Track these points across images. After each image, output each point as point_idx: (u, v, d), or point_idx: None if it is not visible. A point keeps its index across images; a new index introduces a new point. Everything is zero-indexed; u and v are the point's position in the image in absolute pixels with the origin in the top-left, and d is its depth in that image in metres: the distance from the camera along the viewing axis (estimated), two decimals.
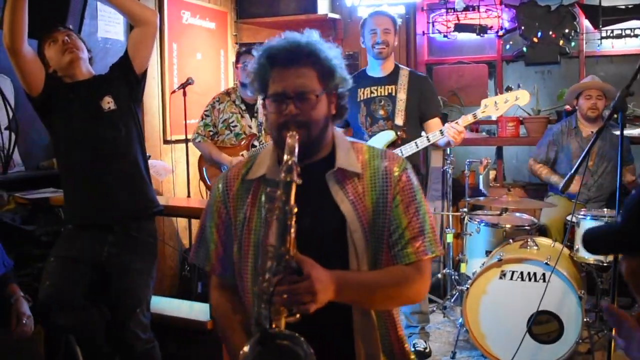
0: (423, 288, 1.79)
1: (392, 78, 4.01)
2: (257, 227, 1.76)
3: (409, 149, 3.81)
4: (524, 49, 5.70)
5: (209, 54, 5.63)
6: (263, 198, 1.77)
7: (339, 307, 1.66)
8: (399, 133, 3.90)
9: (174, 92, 4.84)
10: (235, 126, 4.50)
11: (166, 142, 5.12)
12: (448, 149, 4.79)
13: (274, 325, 1.47)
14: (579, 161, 2.87)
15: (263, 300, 1.49)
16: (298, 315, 1.48)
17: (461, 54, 6.08)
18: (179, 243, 5.20)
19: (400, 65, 4.08)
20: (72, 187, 3.06)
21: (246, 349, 1.48)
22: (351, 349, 1.75)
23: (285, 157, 1.58)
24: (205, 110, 4.57)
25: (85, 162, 3.00)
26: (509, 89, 3.95)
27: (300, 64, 1.72)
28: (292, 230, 1.50)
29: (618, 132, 3.59)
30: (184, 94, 4.65)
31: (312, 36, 1.77)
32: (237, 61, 4.58)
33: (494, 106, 3.84)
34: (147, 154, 3.24)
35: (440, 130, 3.77)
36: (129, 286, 3.01)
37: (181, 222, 5.16)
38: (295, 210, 1.52)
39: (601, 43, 5.56)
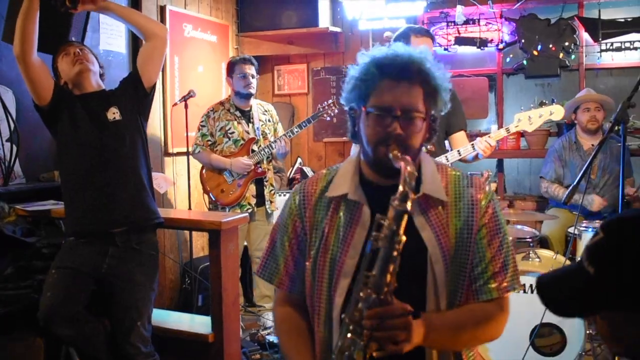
0: (503, 324, 1.71)
1: None
2: (335, 247, 1.68)
3: None
4: (524, 61, 5.71)
5: (210, 66, 5.65)
6: (342, 217, 1.70)
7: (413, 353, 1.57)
8: (428, 147, 3.90)
9: (175, 104, 4.85)
10: (233, 133, 4.55)
11: (167, 154, 5.12)
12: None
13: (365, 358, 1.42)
14: (581, 173, 2.86)
15: (351, 331, 1.43)
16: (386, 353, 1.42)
17: (462, 67, 6.09)
18: (180, 256, 5.19)
19: None
20: (74, 196, 3.06)
21: None
22: None
23: (400, 187, 1.49)
24: (201, 122, 4.63)
25: (88, 171, 3.01)
26: (542, 104, 3.91)
27: (411, 80, 1.63)
28: (397, 262, 1.44)
29: (619, 144, 3.60)
30: (186, 106, 4.66)
31: (424, 52, 1.67)
32: (231, 71, 4.64)
33: (527, 120, 3.80)
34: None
35: (472, 144, 3.76)
36: (130, 299, 3.00)
37: (182, 235, 5.15)
38: (404, 240, 1.45)
39: (601, 56, 5.58)
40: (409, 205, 1.47)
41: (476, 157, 3.88)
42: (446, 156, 3.81)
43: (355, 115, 1.72)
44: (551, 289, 1.26)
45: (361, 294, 1.44)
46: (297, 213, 1.78)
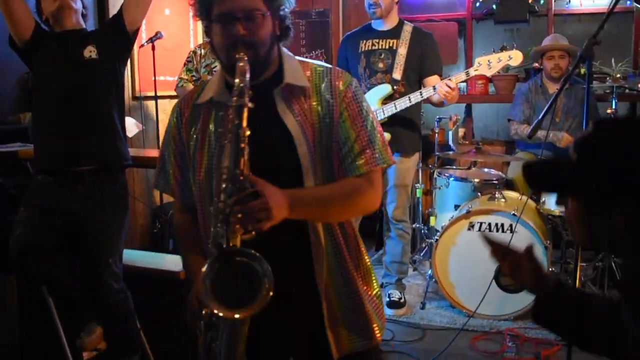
0: (375, 198, 1.80)
1: (394, 32, 4.06)
2: (209, 152, 1.77)
3: (402, 103, 3.86)
4: (494, 6, 5.72)
5: (177, 9, 5.55)
6: (213, 123, 1.79)
7: (295, 228, 1.69)
8: (395, 87, 3.94)
9: (142, 46, 4.78)
10: (217, 70, 4.49)
11: (135, 98, 5.07)
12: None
13: (230, 244, 1.49)
14: (543, 112, 2.88)
15: (219, 220, 1.51)
16: (254, 233, 1.49)
17: (432, 12, 6.09)
18: (150, 200, 5.18)
19: (405, 21, 4.10)
20: (45, 133, 3.04)
21: (205, 267, 1.49)
22: (310, 268, 1.77)
23: (237, 80, 1.60)
24: (188, 57, 4.56)
25: (60, 108, 2.99)
26: (503, 48, 3.96)
27: None
28: (245, 152, 1.52)
29: (584, 87, 3.65)
30: (153, 48, 4.60)
31: None
32: None
33: (487, 65, 3.88)
34: None
35: (433, 87, 3.81)
36: (101, 236, 3.01)
37: (152, 179, 5.14)
38: (248, 133, 1.54)
39: (570, 1, 5.63)
40: (246, 99, 1.57)
41: (442, 103, 3.94)
42: (409, 97, 3.85)
43: (209, 30, 1.78)
44: (535, 168, 1.40)
45: (222, 186, 1.52)
46: (175, 125, 1.88)
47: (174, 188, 1.91)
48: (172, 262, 3.60)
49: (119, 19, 3.10)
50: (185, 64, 4.54)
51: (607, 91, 4.63)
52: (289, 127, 1.72)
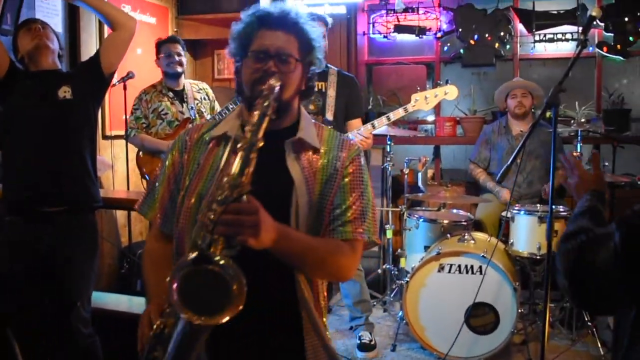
0: (353, 265, 1.82)
1: (322, 75, 4.06)
2: (209, 175, 1.77)
3: None
4: (461, 50, 5.85)
5: (149, 49, 5.54)
6: (221, 150, 1.78)
7: (282, 264, 1.69)
8: (330, 128, 3.97)
9: (113, 85, 4.75)
10: (167, 114, 4.48)
11: (105, 137, 5.04)
12: (388, 147, 4.87)
13: (211, 250, 1.44)
14: (513, 155, 2.94)
15: (203, 229, 1.46)
16: (235, 249, 1.45)
17: (401, 55, 6.20)
18: (118, 240, 5.12)
19: (328, 64, 4.15)
20: (16, 173, 3.01)
21: (178, 263, 1.43)
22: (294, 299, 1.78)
23: (265, 87, 1.64)
24: (134, 105, 4.55)
25: (32, 148, 2.99)
26: (436, 85, 4.09)
27: (285, 30, 1.77)
28: (252, 164, 1.50)
29: (549, 130, 3.71)
30: (124, 87, 4.60)
31: (302, 10, 1.83)
32: (158, 52, 4.55)
33: (424, 100, 3.99)
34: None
35: (354, 132, 3.93)
36: (70, 279, 2.97)
37: (120, 219, 5.09)
38: (261, 144, 1.52)
39: (534, 46, 5.77)
40: (270, 110, 1.59)
41: None
42: None
43: (240, 71, 1.82)
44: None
45: (217, 192, 1.49)
46: (177, 148, 1.89)
47: (156, 213, 1.89)
48: (140, 304, 3.57)
49: (96, 61, 3.13)
50: (132, 112, 4.52)
51: (572, 134, 4.75)
52: (293, 176, 1.75)
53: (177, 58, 4.50)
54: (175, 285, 1.41)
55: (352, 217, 1.78)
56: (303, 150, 1.81)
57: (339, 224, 1.78)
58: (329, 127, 1.94)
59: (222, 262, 1.40)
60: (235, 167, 1.49)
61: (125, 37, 3.17)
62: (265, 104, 1.60)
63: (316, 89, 4.03)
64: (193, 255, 1.42)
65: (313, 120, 1.92)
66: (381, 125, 3.95)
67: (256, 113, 1.58)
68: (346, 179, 1.81)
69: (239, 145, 1.51)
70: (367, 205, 1.82)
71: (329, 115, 3.99)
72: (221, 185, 1.48)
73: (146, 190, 1.95)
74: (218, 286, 1.40)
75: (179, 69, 4.55)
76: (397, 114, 3.94)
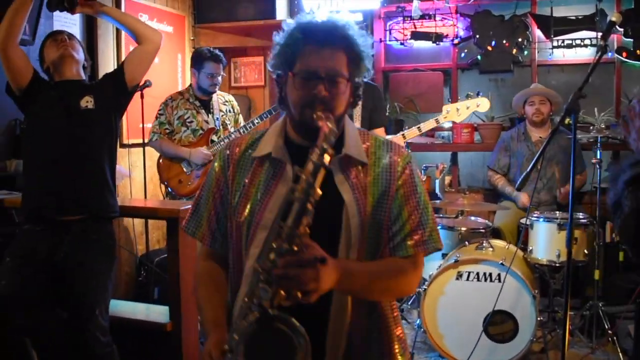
0: (415, 282, 1.79)
1: None
2: (255, 200, 1.74)
3: None
4: (479, 57, 5.83)
5: (166, 58, 5.60)
6: (265, 173, 1.75)
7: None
8: (375, 135, 3.97)
9: None
10: (192, 122, 4.50)
11: (123, 145, 5.05)
12: None
13: (273, 310, 1.44)
14: (533, 161, 2.93)
15: (262, 280, 1.46)
16: (297, 301, 1.44)
17: (417, 62, 6.18)
18: (135, 248, 5.13)
19: None
20: (35, 180, 3.04)
21: (244, 324, 1.46)
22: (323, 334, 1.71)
23: (319, 141, 1.55)
24: (159, 110, 4.56)
25: (52, 157, 3.01)
26: (469, 96, 4.07)
27: (335, 46, 1.69)
28: (310, 214, 1.48)
29: (568, 136, 3.68)
30: (142, 96, 4.61)
31: (349, 20, 1.75)
32: (198, 64, 4.51)
33: (456, 112, 3.99)
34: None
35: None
36: (87, 287, 2.97)
37: (137, 227, 5.10)
38: (319, 195, 1.49)
39: (553, 52, 5.72)
40: (326, 159, 1.52)
41: None
42: None
43: (282, 81, 1.77)
44: None
45: (274, 244, 1.48)
46: (220, 170, 1.84)
47: (204, 232, 1.86)
48: (158, 312, 3.57)
49: (120, 73, 3.17)
50: (157, 117, 4.54)
51: (591, 140, 4.70)
52: (343, 196, 1.70)
53: (219, 80, 4.52)
54: (239, 349, 1.46)
55: (411, 229, 1.74)
56: (350, 167, 1.75)
57: (399, 241, 1.74)
58: (375, 135, 1.87)
59: (292, 323, 1.45)
60: (292, 217, 1.47)
61: (150, 50, 3.22)
62: (322, 155, 1.53)
63: None
64: (256, 314, 1.46)
65: (357, 127, 1.85)
66: (412, 136, 3.94)
67: (311, 162, 1.52)
68: (400, 189, 1.75)
69: (295, 195, 1.49)
70: (424, 213, 1.77)
71: (357, 124, 3.98)
72: (278, 235, 1.47)
73: (191, 210, 1.90)
74: (284, 346, 1.44)
75: (218, 90, 4.60)
76: (429, 125, 3.96)
